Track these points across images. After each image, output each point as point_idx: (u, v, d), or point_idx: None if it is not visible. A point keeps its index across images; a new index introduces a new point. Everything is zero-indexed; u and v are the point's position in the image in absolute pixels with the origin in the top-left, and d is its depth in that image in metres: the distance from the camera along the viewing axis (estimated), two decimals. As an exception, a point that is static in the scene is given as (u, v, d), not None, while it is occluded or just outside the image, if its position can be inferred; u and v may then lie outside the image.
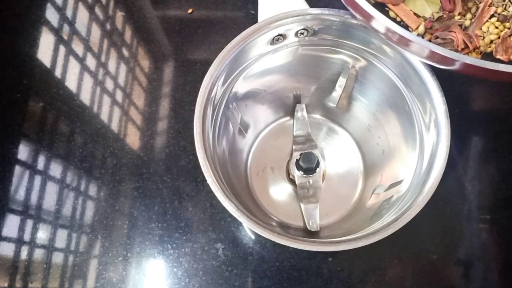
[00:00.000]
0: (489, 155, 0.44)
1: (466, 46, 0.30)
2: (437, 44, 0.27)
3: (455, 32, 0.29)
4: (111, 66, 0.49)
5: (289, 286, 0.40)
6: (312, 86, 0.42)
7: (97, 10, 0.51)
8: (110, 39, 0.50)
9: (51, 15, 0.51)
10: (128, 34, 0.50)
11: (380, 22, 0.28)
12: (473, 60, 0.26)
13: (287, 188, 0.44)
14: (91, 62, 0.49)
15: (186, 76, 0.48)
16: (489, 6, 0.31)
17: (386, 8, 0.31)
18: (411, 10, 0.31)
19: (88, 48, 0.49)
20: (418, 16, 0.31)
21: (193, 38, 0.49)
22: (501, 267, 0.41)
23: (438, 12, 0.31)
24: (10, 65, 0.48)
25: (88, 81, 0.48)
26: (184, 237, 0.42)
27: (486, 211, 0.42)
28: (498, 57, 0.30)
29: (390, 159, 0.39)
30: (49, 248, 0.42)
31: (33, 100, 0.47)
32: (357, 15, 0.30)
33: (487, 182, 0.43)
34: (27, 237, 0.42)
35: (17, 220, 0.43)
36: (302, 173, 0.40)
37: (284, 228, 0.42)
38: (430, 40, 0.30)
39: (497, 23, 0.31)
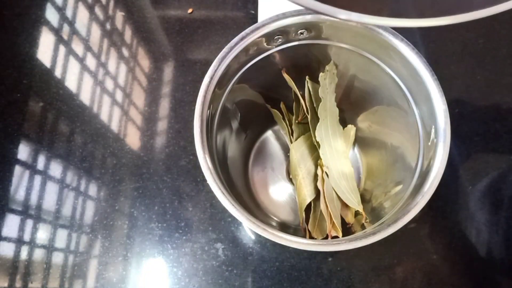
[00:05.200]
0: (489, 155, 0.44)
1: None
2: None
3: None
4: (111, 66, 0.49)
5: (289, 286, 0.40)
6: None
7: (97, 10, 0.51)
8: (110, 39, 0.50)
9: (51, 15, 0.51)
10: (128, 34, 0.50)
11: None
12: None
13: (287, 188, 0.44)
14: (91, 62, 0.49)
15: (186, 76, 0.48)
16: None
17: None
18: None
19: (88, 48, 0.49)
20: None
21: (193, 38, 0.49)
22: (501, 267, 0.41)
23: None
24: (10, 65, 0.48)
25: (88, 81, 0.48)
26: (184, 237, 0.42)
27: (486, 211, 0.42)
28: None
29: (390, 159, 0.39)
30: (49, 248, 0.42)
31: (33, 100, 0.47)
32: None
33: (487, 183, 0.43)
34: (27, 237, 0.42)
35: (17, 220, 0.43)
36: None
37: (284, 228, 0.42)
38: None
39: None
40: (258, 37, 0.33)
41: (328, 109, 0.38)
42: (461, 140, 0.45)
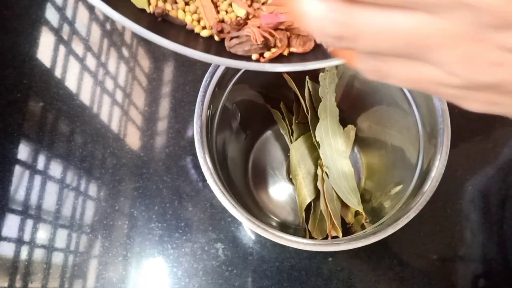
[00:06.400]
0: (489, 155, 0.44)
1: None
2: (234, 46, 0.23)
3: (249, 28, 0.23)
4: (111, 66, 0.49)
5: (289, 286, 0.40)
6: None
7: (97, 10, 0.51)
8: (110, 39, 0.50)
9: (51, 15, 0.51)
10: (128, 34, 0.50)
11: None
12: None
13: (287, 188, 0.44)
14: (91, 62, 0.49)
15: (186, 76, 0.48)
16: None
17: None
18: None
19: (88, 48, 0.49)
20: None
21: (193, 38, 0.49)
22: (501, 267, 0.41)
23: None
24: (10, 65, 0.48)
25: (88, 81, 0.48)
26: (184, 237, 0.42)
27: (486, 211, 0.42)
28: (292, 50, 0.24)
29: (390, 159, 0.39)
30: (49, 248, 0.42)
31: (33, 100, 0.47)
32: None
33: (487, 182, 0.43)
34: (27, 237, 0.42)
35: (17, 220, 0.43)
36: None
37: (284, 228, 0.42)
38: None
39: None
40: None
41: (328, 109, 0.38)
42: (461, 140, 0.45)
